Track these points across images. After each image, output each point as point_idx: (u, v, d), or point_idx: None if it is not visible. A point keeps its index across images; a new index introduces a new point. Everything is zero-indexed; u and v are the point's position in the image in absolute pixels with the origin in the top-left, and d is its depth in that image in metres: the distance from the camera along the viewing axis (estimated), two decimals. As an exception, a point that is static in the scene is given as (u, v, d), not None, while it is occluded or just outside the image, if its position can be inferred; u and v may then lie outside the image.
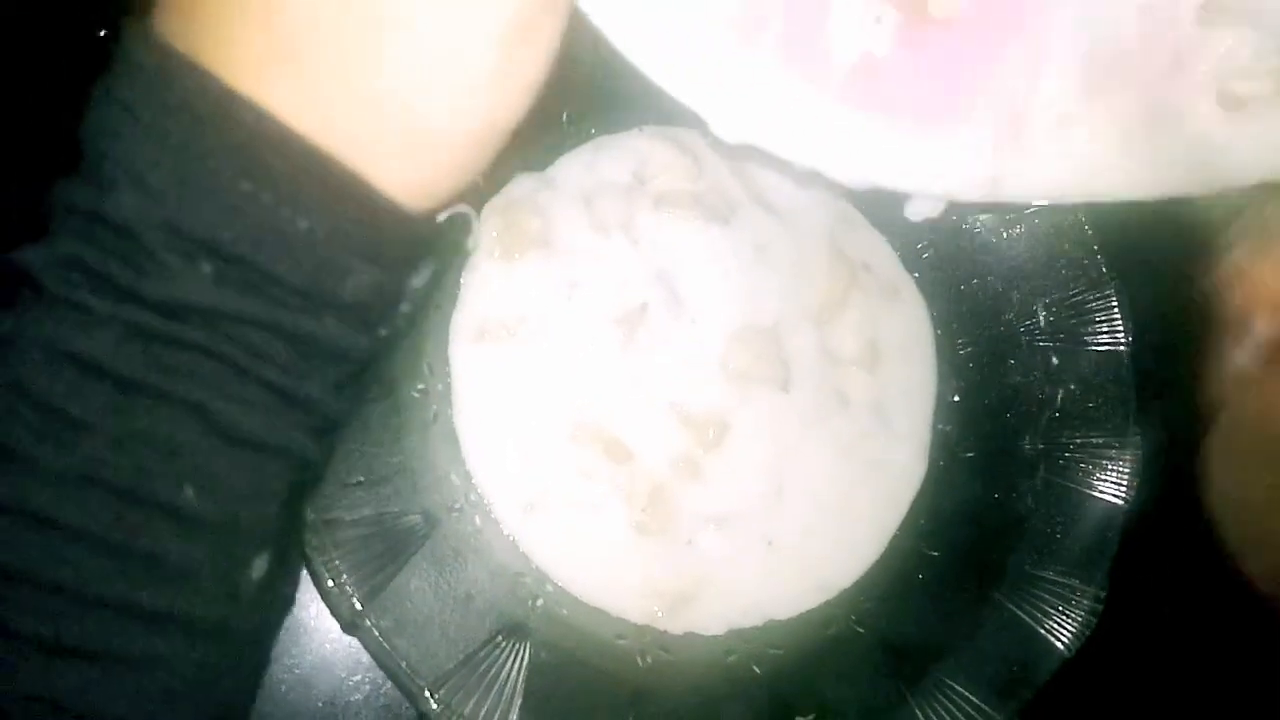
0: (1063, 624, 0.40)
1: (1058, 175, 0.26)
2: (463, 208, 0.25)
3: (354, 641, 0.38)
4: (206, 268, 0.21)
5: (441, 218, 0.25)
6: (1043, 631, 0.40)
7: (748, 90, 0.25)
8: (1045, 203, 0.27)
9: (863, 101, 0.25)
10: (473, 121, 0.23)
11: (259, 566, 0.23)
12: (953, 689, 0.40)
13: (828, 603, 0.43)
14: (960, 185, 0.26)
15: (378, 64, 0.22)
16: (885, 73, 0.25)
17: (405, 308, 0.24)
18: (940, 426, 0.46)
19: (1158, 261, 0.46)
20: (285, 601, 0.26)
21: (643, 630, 0.41)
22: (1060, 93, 0.26)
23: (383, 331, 0.24)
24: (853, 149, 0.26)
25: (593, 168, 0.44)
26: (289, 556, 0.25)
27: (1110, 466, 0.43)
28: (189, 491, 0.22)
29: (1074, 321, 0.44)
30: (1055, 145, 0.26)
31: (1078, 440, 0.43)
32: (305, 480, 0.24)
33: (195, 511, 0.22)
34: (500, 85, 0.23)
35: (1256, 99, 0.26)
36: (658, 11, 0.24)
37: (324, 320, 0.22)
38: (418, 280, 0.24)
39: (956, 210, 0.45)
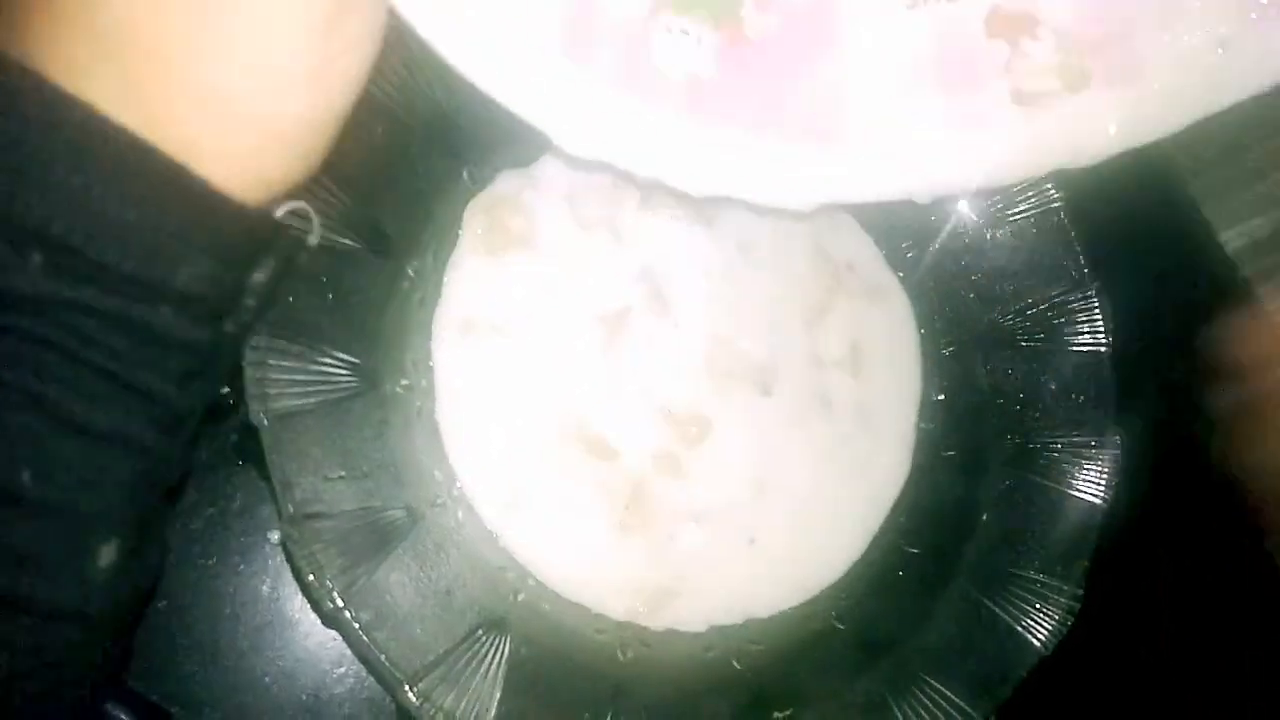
0: (1040, 622, 0.41)
1: (873, 177, 0.28)
2: (299, 203, 0.26)
3: (337, 634, 0.38)
4: (37, 258, 0.22)
5: (280, 212, 0.26)
6: (1020, 629, 0.41)
7: (586, 106, 0.26)
8: (866, 203, 0.29)
9: (695, 115, 0.27)
10: (294, 112, 0.24)
11: (106, 554, 0.24)
12: (931, 686, 0.40)
13: (808, 599, 0.43)
14: (788, 192, 0.28)
15: (195, 59, 0.22)
16: (712, 89, 0.27)
17: (250, 302, 0.25)
18: (922, 425, 0.46)
19: (1139, 263, 0.46)
20: (140, 593, 0.26)
21: (623, 625, 0.41)
22: (871, 101, 0.28)
23: (229, 326, 0.25)
24: (690, 160, 0.28)
25: (578, 165, 0.44)
26: (144, 548, 0.25)
27: (1090, 466, 0.43)
28: (26, 476, 0.22)
29: (1056, 322, 0.44)
30: (872, 149, 0.28)
31: (1058, 439, 0.43)
32: (156, 472, 0.25)
33: (34, 496, 0.22)
34: (318, 76, 0.24)
35: (1045, 94, 0.28)
36: (488, 30, 0.25)
37: (159, 309, 0.23)
38: (259, 275, 0.25)
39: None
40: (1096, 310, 0.44)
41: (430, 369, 0.42)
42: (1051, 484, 0.43)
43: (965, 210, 0.46)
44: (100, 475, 0.23)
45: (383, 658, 0.35)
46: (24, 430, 0.22)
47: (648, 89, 0.27)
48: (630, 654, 0.41)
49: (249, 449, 0.41)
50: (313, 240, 0.28)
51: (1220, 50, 0.27)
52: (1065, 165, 0.28)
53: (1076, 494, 0.42)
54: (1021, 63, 0.28)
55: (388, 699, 0.40)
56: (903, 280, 0.47)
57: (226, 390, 0.38)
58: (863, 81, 0.28)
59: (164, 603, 0.40)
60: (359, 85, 0.25)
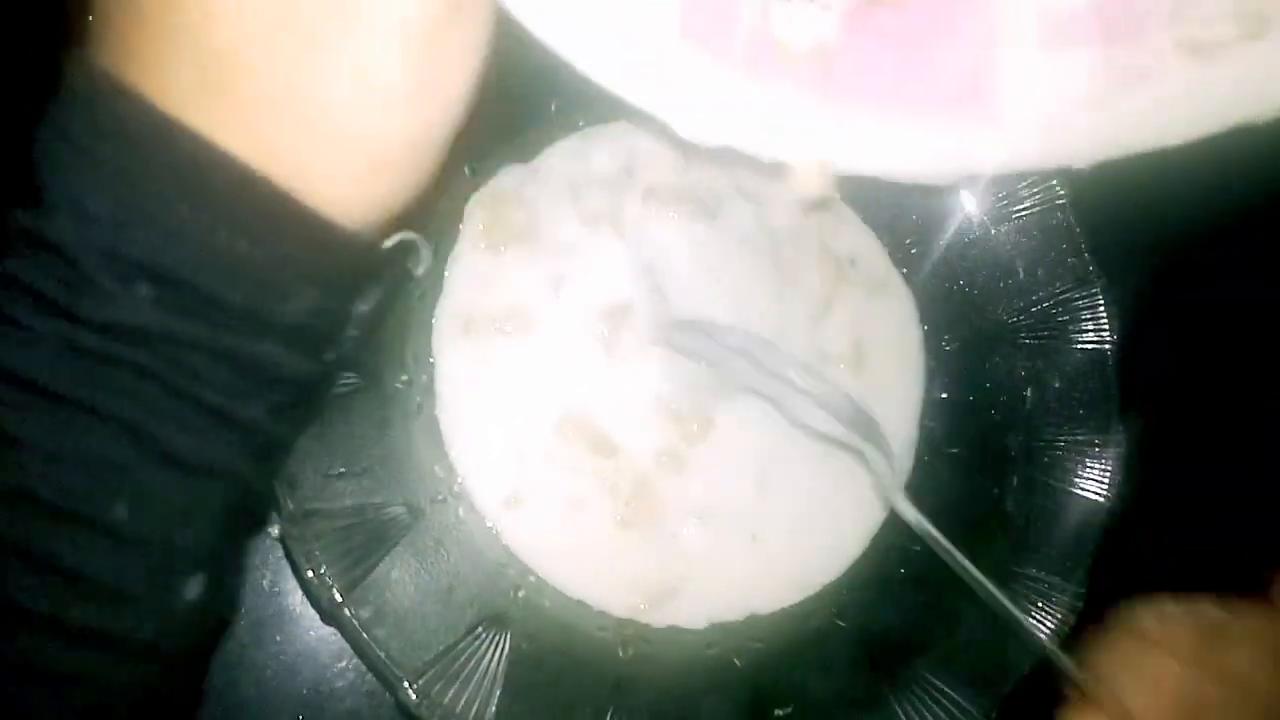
0: (1042, 620, 0.41)
1: (1027, 144, 0.26)
2: (409, 234, 0.26)
3: (337, 629, 0.38)
4: (145, 291, 0.21)
5: (389, 244, 0.25)
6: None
7: (707, 90, 0.25)
8: (1018, 171, 0.27)
9: (824, 90, 0.25)
10: (401, 132, 0.23)
11: (193, 588, 0.23)
12: (932, 684, 0.40)
13: (809, 597, 0.43)
14: (931, 165, 0.26)
15: (301, 82, 0.22)
16: (842, 60, 0.25)
17: (352, 332, 0.25)
18: (925, 423, 0.46)
19: (1144, 260, 0.46)
20: (220, 624, 0.26)
21: (624, 622, 0.41)
22: (1019, 60, 0.25)
23: (328, 356, 0.24)
24: (821, 140, 0.25)
25: (580, 159, 0.44)
26: (225, 579, 0.25)
27: (1092, 464, 0.43)
28: (121, 510, 0.22)
29: (1060, 319, 0.44)
30: (1020, 113, 0.25)
31: (1061, 437, 0.43)
32: (244, 503, 0.24)
33: (127, 530, 0.22)
34: (424, 92, 0.23)
35: (1220, 43, 0.25)
36: (604, 20, 0.24)
37: (264, 343, 0.23)
38: (363, 305, 0.25)
39: (934, 197, 0.45)
40: (1101, 307, 0.43)
41: (431, 364, 0.42)
42: (1054, 482, 0.43)
43: (970, 205, 0.45)
44: (194, 508, 0.23)
45: (382, 655, 0.35)
46: (122, 464, 0.22)
47: (772, 66, 0.25)
48: (631, 651, 0.41)
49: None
50: (419, 271, 0.27)
51: None
52: (1243, 121, 0.25)
53: (1079, 492, 0.42)
54: (1191, 8, 0.25)
55: (388, 693, 0.40)
56: (906, 276, 0.47)
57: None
58: (1011, 37, 0.25)
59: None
60: (468, 101, 0.24)
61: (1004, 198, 0.45)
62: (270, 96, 0.22)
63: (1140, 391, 0.43)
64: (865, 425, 0.37)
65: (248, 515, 0.25)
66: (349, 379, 0.38)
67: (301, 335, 0.23)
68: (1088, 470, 0.43)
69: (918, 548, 0.44)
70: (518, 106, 0.43)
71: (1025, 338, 0.44)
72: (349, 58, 0.22)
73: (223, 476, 0.23)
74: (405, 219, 0.26)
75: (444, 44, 0.23)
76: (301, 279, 0.23)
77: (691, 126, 0.25)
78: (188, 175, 0.21)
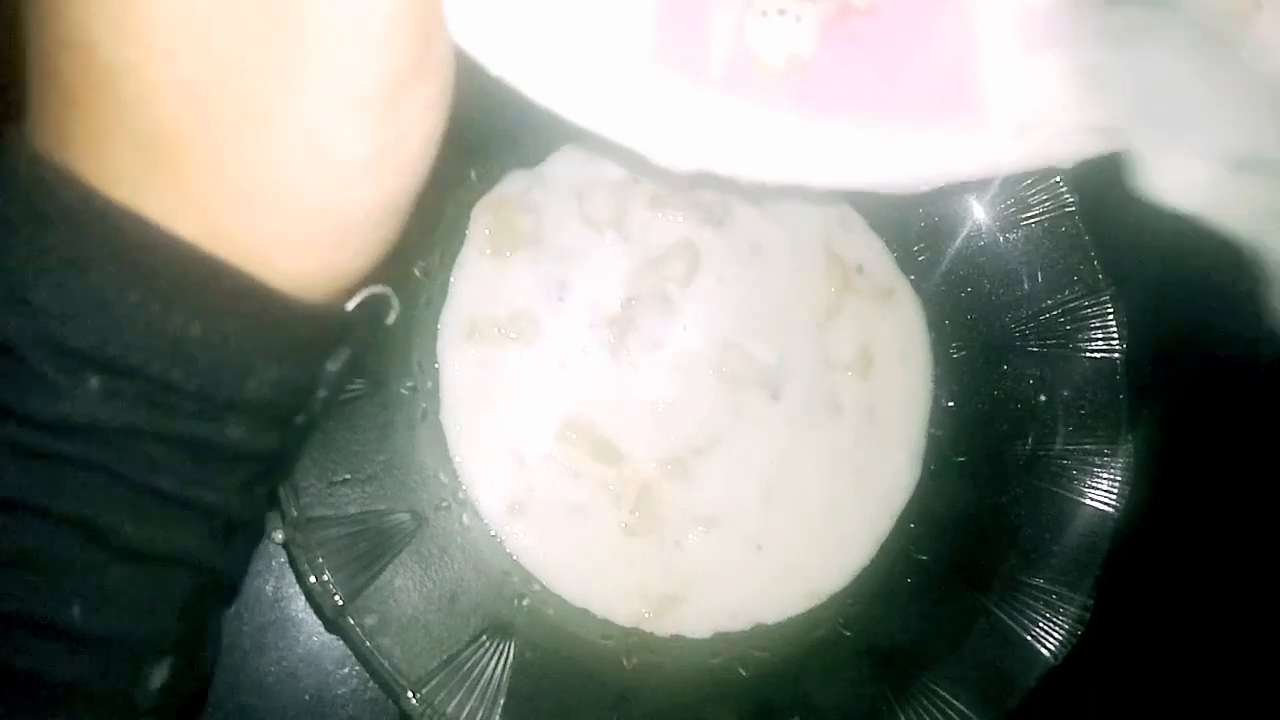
0: (1049, 631, 0.40)
1: (1018, 146, 0.25)
2: (379, 288, 0.25)
3: (340, 636, 0.38)
4: (94, 383, 0.20)
5: (354, 304, 0.24)
6: (1029, 639, 0.40)
7: (683, 115, 0.24)
8: (1004, 174, 0.26)
9: (803, 106, 0.24)
10: (360, 202, 0.22)
11: (157, 676, 0.22)
12: (938, 694, 0.40)
13: (815, 606, 0.43)
14: (916, 174, 0.26)
15: (250, 160, 0.21)
16: (819, 74, 0.24)
17: (322, 393, 0.24)
18: (933, 431, 0.45)
19: (1154, 267, 0.45)
20: (193, 700, 0.25)
21: (628, 631, 0.41)
22: (1005, 58, 0.24)
23: (298, 420, 0.24)
24: (801, 156, 0.25)
25: (586, 165, 0.44)
26: (199, 657, 0.24)
27: (1101, 474, 0.42)
28: (76, 610, 0.21)
29: (1069, 327, 0.44)
30: (1011, 114, 0.25)
31: (1070, 447, 0.43)
32: (211, 584, 0.24)
33: (83, 630, 0.21)
34: (382, 159, 0.22)
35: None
36: (570, 56, 0.23)
37: (225, 425, 0.22)
38: (333, 366, 0.24)
39: (942, 204, 0.45)
40: (1110, 315, 0.43)
41: (436, 370, 0.41)
42: (1062, 492, 0.42)
43: (978, 213, 0.45)
44: (156, 599, 0.22)
45: (385, 663, 0.35)
46: (76, 563, 0.21)
47: (748, 86, 0.24)
48: (635, 660, 0.40)
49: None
50: (390, 320, 0.26)
51: None
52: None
53: (1088, 502, 0.42)
54: None
55: (391, 701, 0.40)
56: (914, 283, 0.46)
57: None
58: (994, 36, 0.24)
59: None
60: (431, 157, 0.23)
61: (1013, 205, 0.44)
62: (216, 173, 0.21)
63: (1150, 401, 0.43)
64: None
65: (216, 594, 0.24)
66: (355, 384, 0.38)
67: (266, 411, 0.22)
68: (1096, 480, 0.42)
69: (924, 557, 0.44)
70: (523, 112, 0.42)
71: (1034, 346, 0.44)
72: (300, 127, 0.21)
73: (185, 564, 0.22)
74: (375, 270, 0.25)
75: (404, 105, 0.22)
76: (261, 356, 0.22)
77: (668, 154, 0.24)
78: (135, 261, 0.21)
